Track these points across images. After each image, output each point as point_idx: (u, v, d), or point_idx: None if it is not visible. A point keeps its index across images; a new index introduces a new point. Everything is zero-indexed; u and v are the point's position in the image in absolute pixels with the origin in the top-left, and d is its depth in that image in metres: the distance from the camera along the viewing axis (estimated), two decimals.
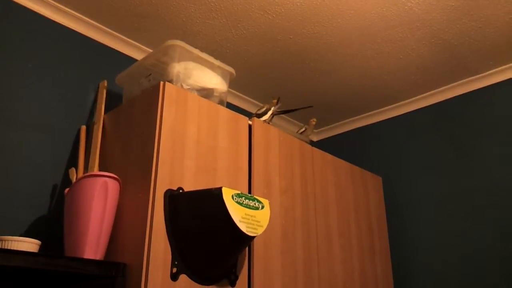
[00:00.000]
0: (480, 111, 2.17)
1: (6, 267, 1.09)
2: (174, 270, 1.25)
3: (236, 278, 1.40)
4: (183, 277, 1.26)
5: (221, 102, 1.65)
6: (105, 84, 1.75)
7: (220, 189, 1.24)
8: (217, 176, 1.46)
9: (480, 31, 1.88)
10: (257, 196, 1.37)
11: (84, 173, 1.52)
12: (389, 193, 2.34)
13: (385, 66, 2.13)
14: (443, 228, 2.13)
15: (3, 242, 1.20)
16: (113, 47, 1.93)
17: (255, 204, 1.30)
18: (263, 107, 1.90)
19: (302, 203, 1.75)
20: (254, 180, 1.58)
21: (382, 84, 2.29)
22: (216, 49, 2.02)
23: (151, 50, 1.97)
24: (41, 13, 1.72)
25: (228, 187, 1.29)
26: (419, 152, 2.33)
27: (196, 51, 1.61)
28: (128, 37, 1.95)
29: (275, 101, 1.92)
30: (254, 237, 1.27)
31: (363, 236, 2.00)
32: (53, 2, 1.73)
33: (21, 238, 1.24)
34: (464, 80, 2.24)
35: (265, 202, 1.34)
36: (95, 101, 1.78)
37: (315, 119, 2.13)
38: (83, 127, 1.67)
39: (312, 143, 2.75)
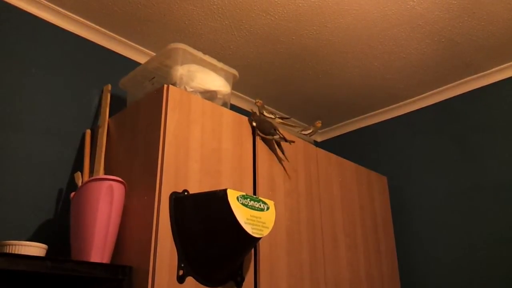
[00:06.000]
0: (484, 109, 2.16)
1: (13, 271, 1.10)
2: (181, 272, 1.25)
3: (242, 279, 1.40)
4: (189, 280, 1.26)
5: (224, 104, 1.65)
6: (109, 88, 1.76)
7: (225, 191, 1.24)
8: (221, 178, 1.47)
9: (483, 29, 1.87)
10: (262, 197, 1.37)
11: (89, 177, 1.52)
12: (395, 193, 2.34)
13: (388, 65, 2.13)
14: (448, 227, 2.12)
15: (10, 247, 1.21)
16: (117, 51, 1.93)
17: (260, 205, 1.30)
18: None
19: (307, 204, 1.75)
20: (258, 181, 1.59)
21: (386, 84, 2.29)
22: (219, 51, 2.02)
23: (154, 54, 1.98)
24: (45, 18, 1.73)
25: (233, 189, 1.29)
26: (424, 151, 2.32)
27: (199, 54, 1.62)
28: (132, 41, 1.96)
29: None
30: (259, 238, 1.27)
31: (368, 236, 1.99)
32: (56, 7, 1.74)
33: (28, 242, 1.24)
34: (467, 78, 2.23)
35: (270, 203, 1.34)
36: (99, 105, 1.78)
37: (320, 122, 2.04)
38: (88, 131, 1.68)
39: (316, 144, 2.75)
